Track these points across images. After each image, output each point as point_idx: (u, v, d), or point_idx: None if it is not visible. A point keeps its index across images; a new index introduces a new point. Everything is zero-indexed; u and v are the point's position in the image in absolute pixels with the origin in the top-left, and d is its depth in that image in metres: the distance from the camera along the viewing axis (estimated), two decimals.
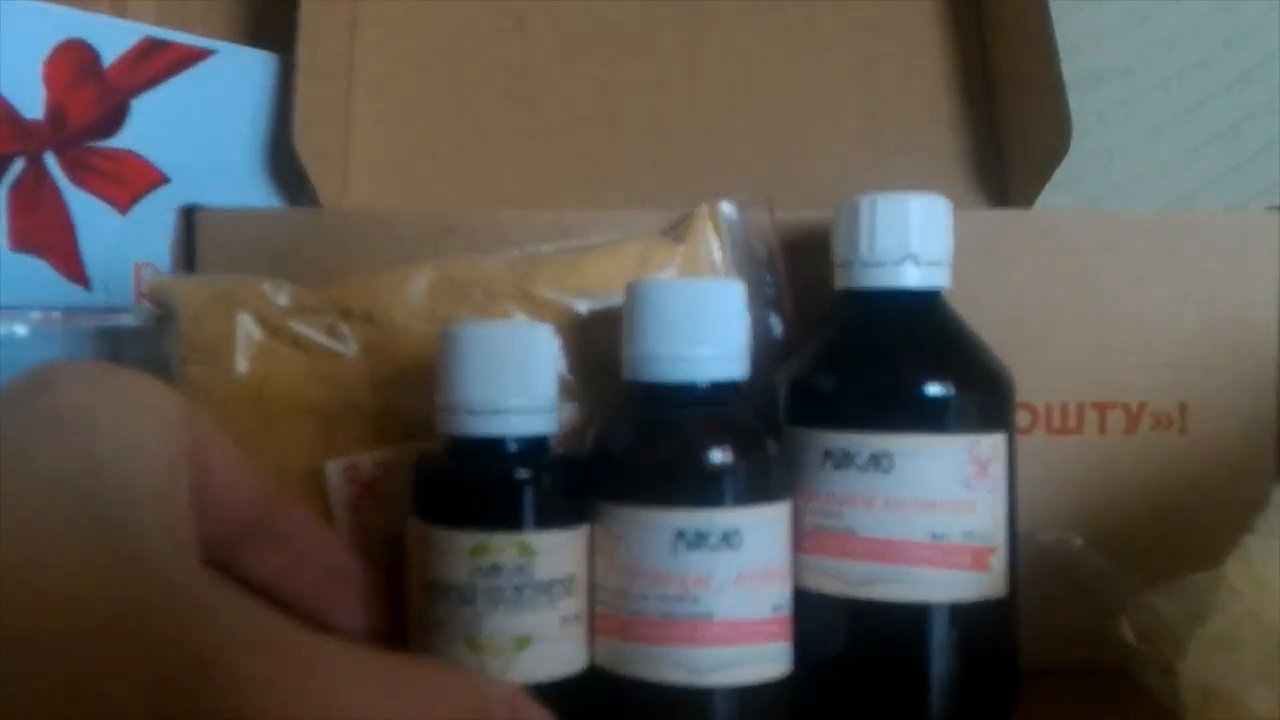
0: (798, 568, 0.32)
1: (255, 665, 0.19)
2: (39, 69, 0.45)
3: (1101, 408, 0.38)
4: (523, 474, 0.30)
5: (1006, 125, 0.51)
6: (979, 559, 0.31)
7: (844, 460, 0.32)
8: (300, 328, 0.34)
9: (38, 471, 0.20)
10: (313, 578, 0.27)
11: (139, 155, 0.47)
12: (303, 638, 0.21)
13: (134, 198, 0.47)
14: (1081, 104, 0.46)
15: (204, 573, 0.21)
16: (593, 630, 0.31)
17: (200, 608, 0.20)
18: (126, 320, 0.37)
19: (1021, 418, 0.38)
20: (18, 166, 0.45)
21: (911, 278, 0.33)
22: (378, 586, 0.29)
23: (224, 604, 0.20)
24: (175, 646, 0.18)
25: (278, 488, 0.26)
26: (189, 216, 0.37)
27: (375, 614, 0.28)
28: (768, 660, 0.30)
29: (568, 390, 0.35)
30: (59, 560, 0.19)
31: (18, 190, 0.45)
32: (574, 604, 0.30)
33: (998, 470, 0.32)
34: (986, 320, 0.34)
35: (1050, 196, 0.48)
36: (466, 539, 0.29)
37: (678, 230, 0.37)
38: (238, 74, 0.49)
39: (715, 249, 0.37)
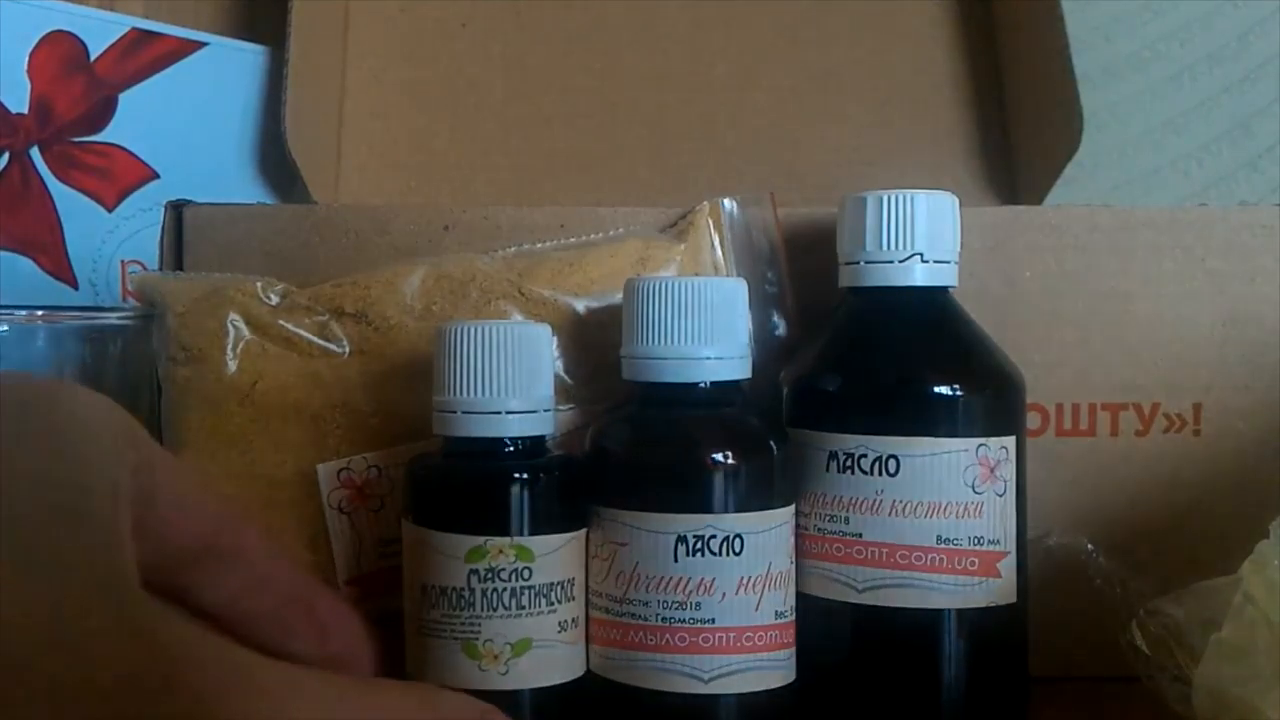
0: (801, 573, 0.32)
1: (203, 689, 0.19)
2: (24, 62, 0.45)
3: (1113, 409, 0.38)
4: (520, 476, 0.29)
5: (1016, 121, 0.51)
6: (987, 564, 0.31)
7: (849, 463, 0.31)
8: (291, 327, 0.34)
9: None
10: (268, 603, 0.26)
11: (127, 150, 0.47)
12: (251, 661, 0.20)
13: (122, 194, 0.47)
14: (1093, 99, 0.46)
15: (146, 596, 0.20)
16: (589, 636, 0.30)
17: (144, 631, 0.19)
18: (111, 319, 0.36)
19: (1032, 419, 0.37)
20: (2, 162, 0.45)
21: (919, 276, 0.32)
22: (337, 611, 0.28)
23: (169, 626, 0.19)
24: (115, 670, 0.18)
25: (231, 510, 0.26)
26: (178, 213, 0.37)
27: (334, 639, 0.28)
28: (771, 667, 0.30)
29: (565, 391, 0.34)
30: None
31: (3, 187, 0.45)
32: (573, 608, 0.30)
33: (1007, 473, 0.31)
34: (996, 319, 0.34)
35: (1061, 193, 0.47)
36: (463, 542, 0.29)
37: (678, 227, 0.37)
38: (229, 67, 0.49)
39: (716, 246, 0.37)
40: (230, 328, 0.33)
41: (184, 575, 0.25)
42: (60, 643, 0.18)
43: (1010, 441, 0.32)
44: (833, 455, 0.31)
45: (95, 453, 0.21)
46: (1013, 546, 0.32)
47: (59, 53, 0.46)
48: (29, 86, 0.45)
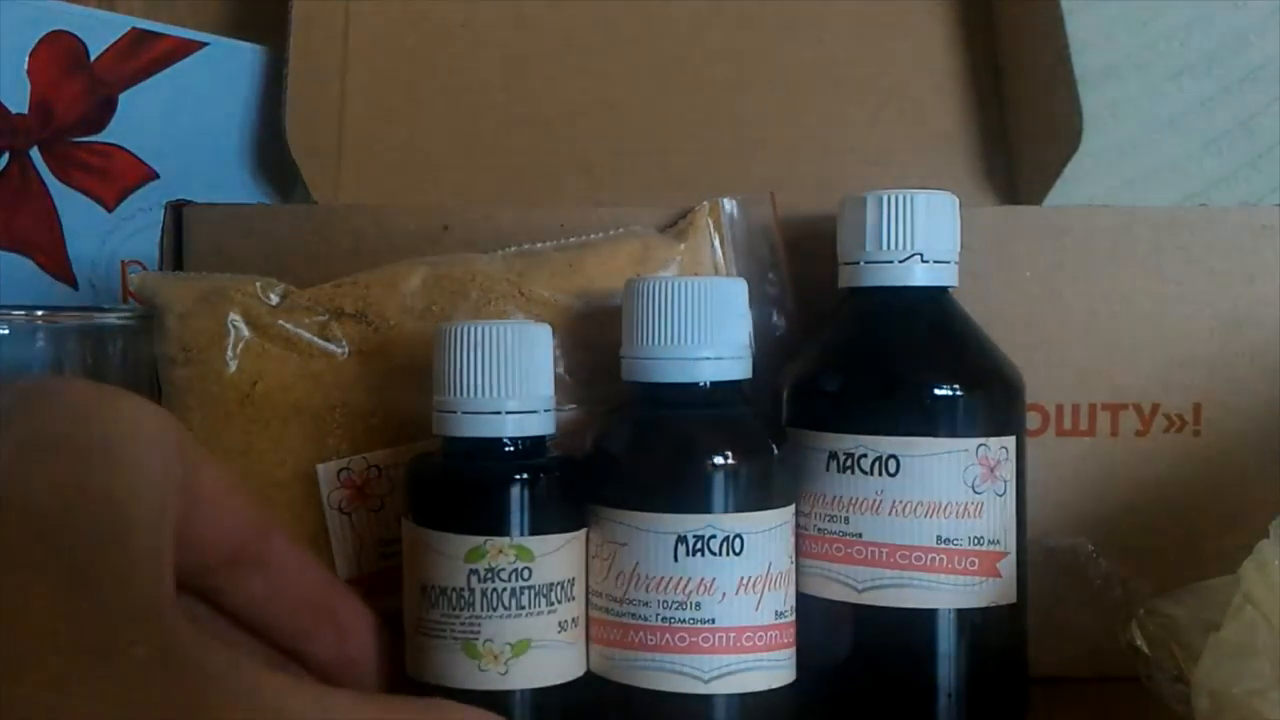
0: (801, 573, 0.32)
1: (226, 711, 0.19)
2: (24, 62, 0.45)
3: (1113, 409, 0.38)
4: (520, 476, 0.29)
5: (1016, 121, 0.51)
6: (987, 564, 0.31)
7: (849, 463, 0.31)
8: (291, 327, 0.34)
9: (15, 501, 0.19)
10: (292, 606, 0.27)
11: (127, 150, 0.47)
12: (280, 690, 0.20)
13: (121, 194, 0.47)
14: (1092, 99, 0.46)
15: (186, 623, 0.20)
16: (589, 636, 0.30)
17: (184, 662, 0.19)
18: (111, 319, 0.36)
19: (1031, 419, 0.37)
20: (2, 162, 0.45)
21: (918, 276, 0.32)
22: (358, 615, 0.28)
23: (205, 656, 0.19)
24: (155, 704, 0.18)
25: (261, 514, 0.26)
26: (177, 213, 0.37)
27: (354, 643, 0.28)
28: (771, 667, 0.30)
29: (566, 391, 0.34)
30: (27, 601, 0.18)
31: (3, 187, 0.45)
32: (573, 608, 0.30)
33: (1007, 473, 0.31)
34: (995, 319, 0.34)
35: (1061, 193, 0.47)
36: (463, 542, 0.29)
37: (678, 227, 0.37)
38: (229, 67, 0.49)
39: (716, 247, 0.36)
40: (230, 328, 0.33)
41: (212, 578, 0.25)
42: (105, 675, 0.18)
43: (1010, 441, 0.32)
44: (833, 455, 0.31)
45: (146, 465, 0.21)
46: (1013, 546, 0.32)
47: (59, 53, 0.46)
48: (29, 86, 0.45)
